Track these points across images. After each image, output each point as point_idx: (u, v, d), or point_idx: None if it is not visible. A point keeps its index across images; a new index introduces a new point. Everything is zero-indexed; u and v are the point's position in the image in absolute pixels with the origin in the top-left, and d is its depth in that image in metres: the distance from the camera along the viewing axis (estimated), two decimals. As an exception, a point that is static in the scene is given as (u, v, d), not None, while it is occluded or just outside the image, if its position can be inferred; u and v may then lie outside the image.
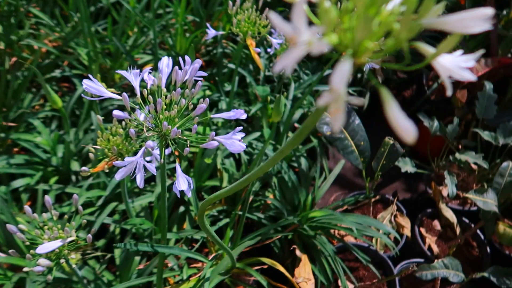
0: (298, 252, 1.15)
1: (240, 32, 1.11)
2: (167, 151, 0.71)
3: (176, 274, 1.11)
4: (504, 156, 1.58)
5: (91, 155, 0.78)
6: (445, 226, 1.56)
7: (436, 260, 1.22)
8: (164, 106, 0.61)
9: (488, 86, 1.60)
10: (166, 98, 0.64)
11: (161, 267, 0.88)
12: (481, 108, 1.57)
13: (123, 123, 0.85)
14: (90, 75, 0.64)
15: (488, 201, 1.26)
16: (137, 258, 1.12)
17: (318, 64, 1.86)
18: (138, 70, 0.68)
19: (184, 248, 1.14)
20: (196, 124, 0.62)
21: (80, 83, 1.42)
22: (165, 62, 0.71)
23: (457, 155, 1.49)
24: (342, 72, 0.25)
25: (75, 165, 1.30)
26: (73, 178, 1.30)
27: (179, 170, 0.60)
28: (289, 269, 1.25)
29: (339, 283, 1.26)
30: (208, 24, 1.11)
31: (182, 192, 0.61)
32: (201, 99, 0.66)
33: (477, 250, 1.51)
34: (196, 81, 0.70)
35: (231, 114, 0.68)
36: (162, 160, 0.63)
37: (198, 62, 0.68)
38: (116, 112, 0.57)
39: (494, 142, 1.47)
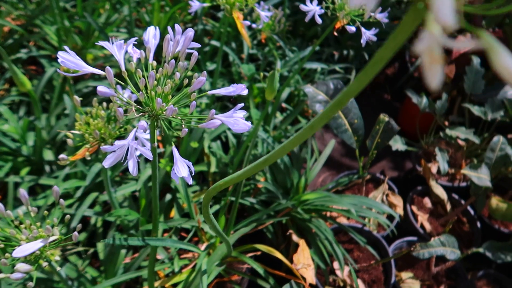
0: (295, 237, 1.10)
1: (227, 4, 1.02)
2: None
3: (166, 267, 1.04)
4: (492, 130, 1.58)
5: (69, 141, 0.69)
6: (436, 203, 1.55)
7: (432, 238, 1.19)
8: (155, 82, 0.52)
9: (476, 60, 1.57)
10: (157, 72, 0.55)
11: (153, 261, 0.81)
12: (469, 83, 1.54)
13: (104, 104, 0.76)
14: (66, 47, 0.55)
15: (482, 177, 1.25)
16: (123, 251, 1.04)
17: (302, 42, 1.79)
18: (122, 41, 0.59)
19: (174, 238, 1.07)
20: (195, 101, 0.54)
21: (49, 64, 1.30)
22: (152, 33, 0.63)
23: (448, 131, 1.46)
24: (446, 2, 0.18)
25: (48, 154, 1.19)
26: (47, 168, 1.20)
27: (176, 154, 0.52)
28: (283, 254, 1.20)
29: (334, 265, 1.23)
30: (191, -4, 1.02)
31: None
32: (195, 74, 0.59)
33: (467, 225, 1.50)
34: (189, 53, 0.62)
35: (231, 90, 0.60)
36: (155, 143, 0.55)
37: (192, 31, 0.60)
38: (101, 89, 0.48)
39: (484, 117, 1.46)
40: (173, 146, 0.54)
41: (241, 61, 1.55)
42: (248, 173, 0.43)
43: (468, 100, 1.58)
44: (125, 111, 0.61)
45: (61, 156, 0.67)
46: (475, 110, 1.46)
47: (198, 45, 0.64)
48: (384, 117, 1.18)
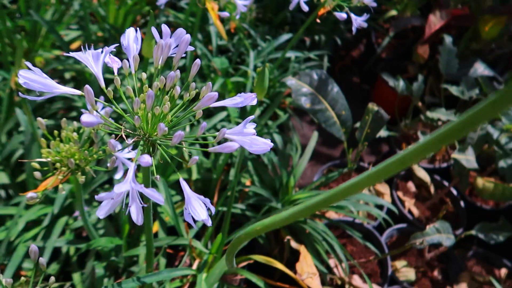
0: (293, 244, 1.02)
1: (201, -7, 0.91)
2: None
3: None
4: (468, 109, 1.58)
5: (36, 174, 0.57)
6: (419, 186, 1.54)
7: (428, 226, 1.17)
8: (150, 102, 0.41)
9: (448, 39, 1.56)
10: (149, 86, 0.45)
11: (148, 296, 0.70)
12: (443, 62, 1.52)
13: (75, 123, 0.63)
14: (28, 63, 0.43)
15: (469, 159, 1.23)
16: (106, 280, 0.93)
17: (270, 29, 1.70)
18: (100, 50, 0.47)
19: (162, 260, 0.96)
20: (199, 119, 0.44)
21: (-9, 72, 1.12)
22: (132, 36, 0.51)
23: (428, 113, 1.44)
24: None
25: (2, 177, 1.03)
26: (2, 193, 1.04)
27: (188, 190, 0.42)
28: (277, 259, 1.13)
29: (331, 263, 1.18)
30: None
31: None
32: (192, 84, 0.48)
33: (451, 206, 1.50)
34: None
35: (238, 101, 0.51)
36: (156, 176, 0.45)
37: (184, 32, 0.49)
38: (86, 119, 0.37)
39: (462, 96, 1.45)
40: (180, 178, 0.43)
41: (210, 53, 1.43)
42: (299, 214, 0.34)
43: (443, 80, 1.56)
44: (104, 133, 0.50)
45: (29, 195, 0.54)
46: (454, 90, 1.44)
47: (192, 48, 0.53)
48: (373, 107, 1.12)
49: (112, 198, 0.37)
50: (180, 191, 1.18)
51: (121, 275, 0.99)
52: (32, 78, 0.41)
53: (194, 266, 0.97)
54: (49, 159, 0.60)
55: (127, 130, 0.46)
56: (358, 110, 1.44)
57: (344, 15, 0.88)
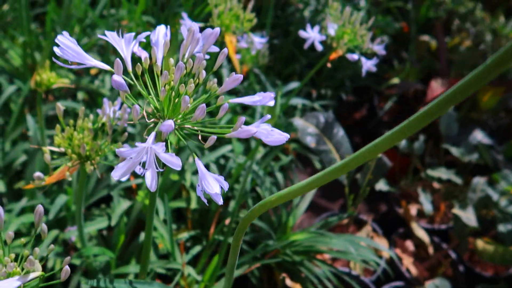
0: (289, 282, 0.98)
1: (222, 26, 0.96)
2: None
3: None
4: (467, 173, 1.60)
5: (46, 157, 0.56)
6: (418, 246, 1.51)
7: (426, 282, 1.13)
8: (181, 75, 0.43)
9: (448, 104, 1.62)
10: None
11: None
12: (444, 125, 1.57)
13: (91, 116, 0.64)
14: (65, 32, 0.45)
15: (470, 217, 1.23)
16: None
17: (279, 79, 1.77)
18: (133, 34, 0.49)
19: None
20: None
21: (7, 83, 1.14)
22: (162, 32, 0.54)
23: (429, 171, 1.46)
24: None
25: (-1, 185, 1.01)
26: (-4, 201, 1.01)
27: (202, 167, 0.42)
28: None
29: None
30: (185, 14, 0.95)
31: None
32: (214, 80, 0.50)
33: (450, 269, 1.46)
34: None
35: (256, 99, 0.52)
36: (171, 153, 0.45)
37: (210, 30, 0.52)
38: (116, 78, 0.38)
39: (462, 158, 1.47)
40: (196, 158, 0.44)
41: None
42: (317, 182, 0.34)
43: (443, 142, 1.60)
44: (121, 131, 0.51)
45: (37, 174, 0.54)
46: (454, 151, 1.47)
47: (217, 49, 0.56)
48: (377, 153, 1.14)
49: (131, 157, 0.37)
50: (176, 221, 1.16)
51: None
52: (68, 45, 0.43)
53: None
54: (60, 148, 0.60)
55: (151, 113, 0.47)
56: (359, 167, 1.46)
57: (355, 56, 0.93)
